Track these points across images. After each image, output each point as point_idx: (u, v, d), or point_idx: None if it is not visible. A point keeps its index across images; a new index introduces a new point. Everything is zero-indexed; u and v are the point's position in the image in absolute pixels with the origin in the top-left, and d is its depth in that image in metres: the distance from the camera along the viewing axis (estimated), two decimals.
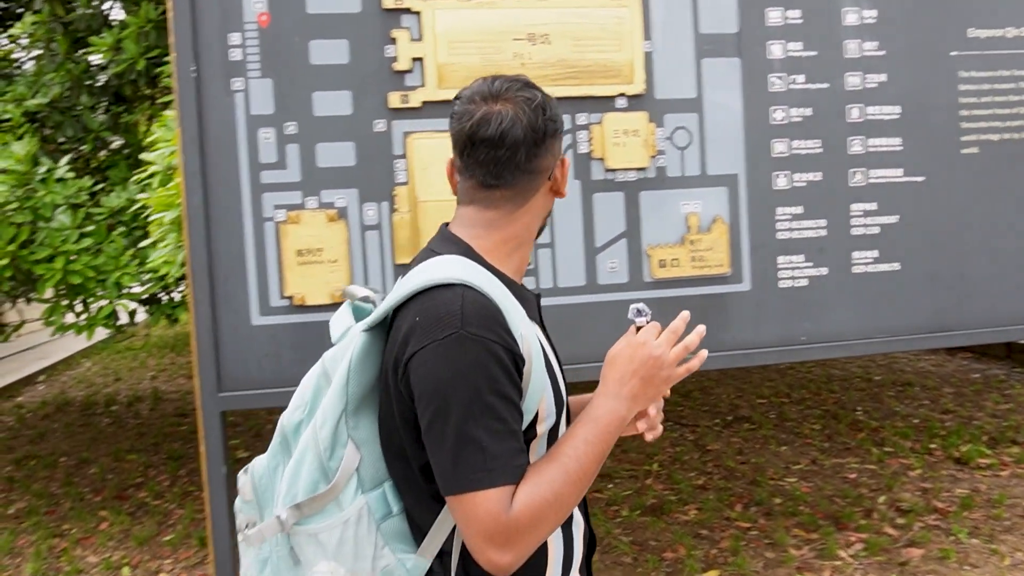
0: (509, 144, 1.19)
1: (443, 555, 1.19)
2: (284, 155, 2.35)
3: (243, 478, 1.31)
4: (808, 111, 2.63)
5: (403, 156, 2.41)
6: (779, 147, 2.62)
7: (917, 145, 2.71)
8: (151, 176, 3.12)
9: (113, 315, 3.89)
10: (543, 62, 2.44)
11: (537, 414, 1.17)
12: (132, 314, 4.20)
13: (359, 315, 1.32)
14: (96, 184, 3.99)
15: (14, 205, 3.54)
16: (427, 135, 2.41)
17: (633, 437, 1.35)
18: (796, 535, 3.53)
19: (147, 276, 3.65)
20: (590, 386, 1.45)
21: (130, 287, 3.74)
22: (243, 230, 2.34)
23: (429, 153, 2.40)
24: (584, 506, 1.31)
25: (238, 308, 2.35)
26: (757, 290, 2.62)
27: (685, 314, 1.26)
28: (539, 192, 1.25)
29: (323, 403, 1.21)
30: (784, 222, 2.64)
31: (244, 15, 2.31)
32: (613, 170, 2.51)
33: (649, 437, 1.28)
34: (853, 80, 2.66)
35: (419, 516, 1.21)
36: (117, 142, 4.52)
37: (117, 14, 4.39)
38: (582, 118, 2.49)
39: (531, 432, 1.17)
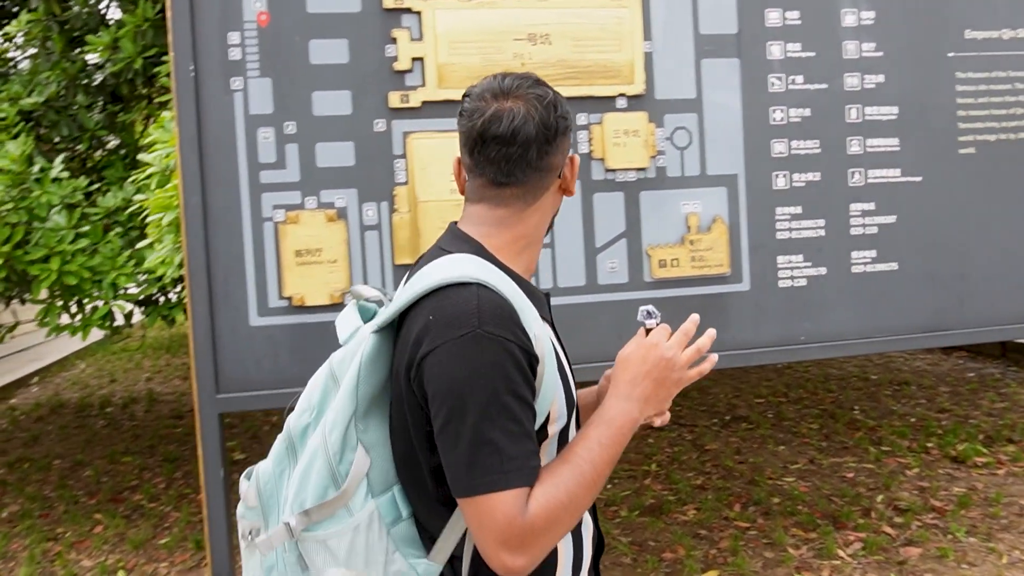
0: (521, 141, 1.18)
1: (454, 559, 1.18)
2: (283, 155, 2.34)
3: (246, 484, 1.28)
4: (807, 111, 2.64)
5: (403, 156, 2.40)
6: (778, 147, 2.63)
7: (915, 145, 2.72)
8: (148, 177, 3.10)
9: (109, 316, 3.87)
10: (543, 62, 2.43)
11: (549, 415, 1.15)
12: (128, 315, 4.18)
13: (364, 316, 1.30)
14: (92, 184, 3.97)
15: (9, 205, 3.52)
16: (427, 135, 2.40)
17: (632, 435, 1.35)
18: (795, 535, 3.53)
19: (143, 277, 3.63)
20: (589, 386, 1.45)
21: (126, 288, 3.72)
22: (242, 230, 2.34)
23: (429, 153, 2.40)
24: (592, 508, 1.30)
25: (236, 309, 2.34)
26: (756, 290, 2.62)
27: (695, 317, 1.26)
28: (549, 190, 1.25)
29: (333, 406, 1.19)
30: (783, 222, 2.64)
31: (243, 14, 2.31)
32: (613, 170, 2.51)
33: (658, 422, 1.27)
34: (851, 81, 2.67)
35: (428, 520, 1.19)
36: (113, 142, 4.50)
37: (114, 13, 4.37)
38: (582, 118, 2.48)
39: (542, 433, 1.16)
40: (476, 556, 1.15)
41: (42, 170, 3.70)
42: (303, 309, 2.36)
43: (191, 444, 5.15)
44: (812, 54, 2.63)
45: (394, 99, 2.38)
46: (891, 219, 2.70)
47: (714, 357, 1.28)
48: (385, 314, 1.19)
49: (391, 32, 2.38)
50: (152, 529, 3.94)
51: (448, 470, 1.10)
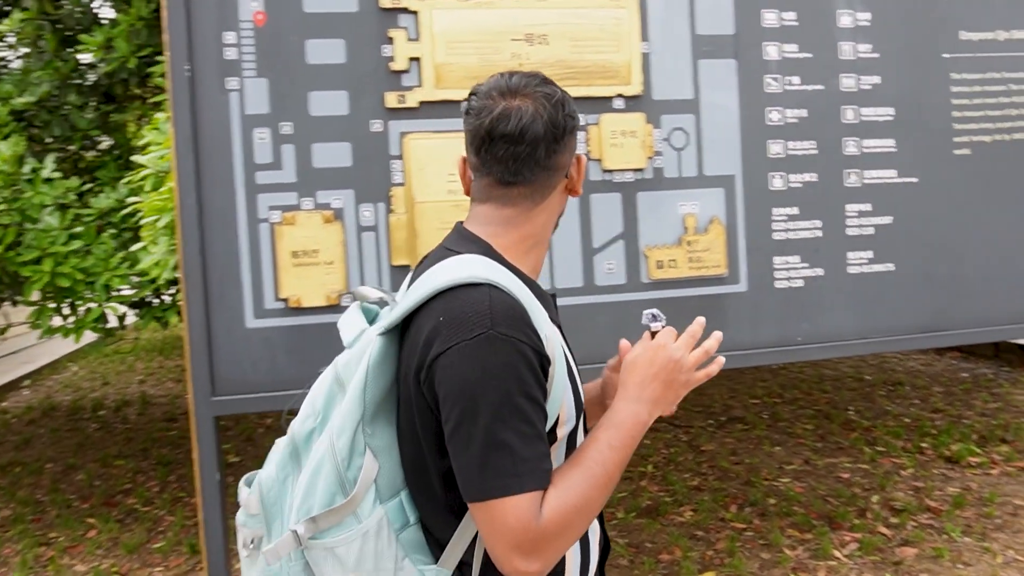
0: (529, 140, 1.16)
1: (463, 565, 1.16)
2: (279, 155, 2.33)
3: (246, 491, 1.25)
4: (803, 112, 2.64)
5: (400, 157, 2.39)
6: (775, 148, 2.63)
7: (911, 146, 2.73)
8: (143, 179, 3.09)
9: (102, 318, 3.85)
10: (541, 63, 2.43)
11: (558, 418, 1.14)
12: (122, 318, 4.15)
13: (367, 317, 1.28)
14: (84, 185, 3.94)
15: (1, 206, 3.49)
16: (424, 135, 2.39)
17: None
18: (791, 535, 3.53)
19: (137, 279, 3.61)
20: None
21: (119, 289, 3.69)
22: (237, 231, 2.32)
23: (426, 154, 2.39)
24: (599, 512, 1.30)
25: (232, 310, 2.32)
26: (754, 291, 2.62)
27: (701, 320, 1.25)
28: (556, 190, 1.24)
29: (340, 411, 1.17)
30: (780, 223, 2.64)
31: (240, 14, 2.29)
32: (610, 171, 2.51)
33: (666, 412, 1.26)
34: (848, 82, 2.67)
35: (435, 526, 1.18)
36: (106, 142, 4.47)
37: (107, 12, 4.34)
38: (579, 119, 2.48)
39: (551, 436, 1.15)
40: (486, 562, 1.14)
41: (34, 171, 3.67)
42: (300, 311, 2.35)
43: (185, 447, 5.12)
44: (808, 55, 2.64)
45: (391, 99, 2.37)
46: (887, 220, 2.71)
47: (721, 359, 1.27)
48: (392, 316, 1.18)
49: (388, 32, 2.37)
50: (146, 533, 3.92)
51: (459, 473, 1.08)
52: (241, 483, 1.28)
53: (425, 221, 2.39)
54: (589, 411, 1.39)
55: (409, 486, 1.20)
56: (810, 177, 2.65)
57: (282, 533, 1.19)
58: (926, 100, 2.74)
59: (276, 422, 5.70)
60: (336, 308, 2.36)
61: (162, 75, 3.47)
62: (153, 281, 3.32)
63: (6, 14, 4.35)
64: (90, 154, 4.50)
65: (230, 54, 2.29)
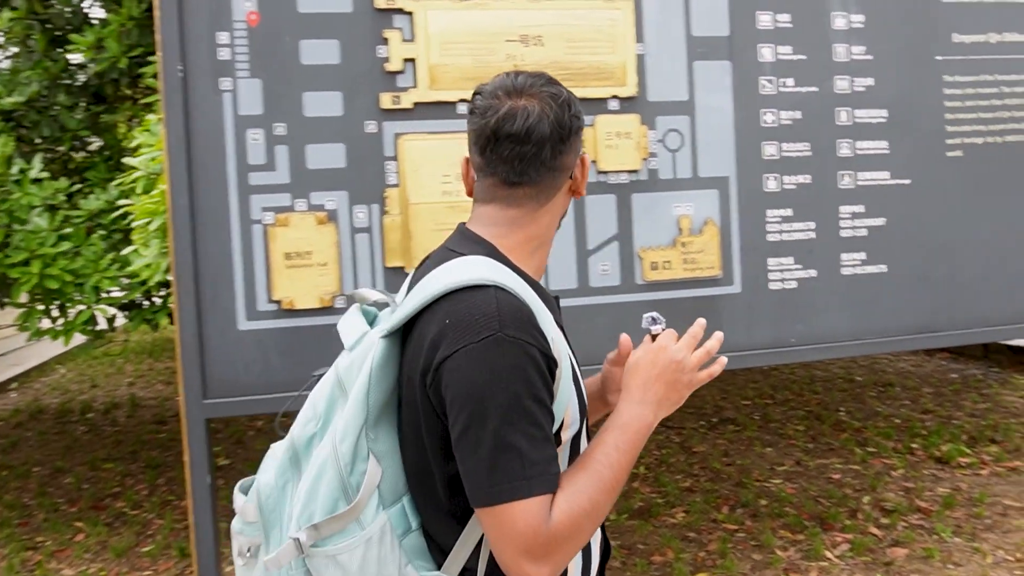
0: (535, 140, 1.15)
1: (466, 572, 1.15)
2: (273, 156, 2.31)
3: (242, 497, 1.23)
4: (797, 114, 2.65)
5: (394, 158, 2.38)
6: (769, 150, 2.63)
7: (903, 148, 2.74)
8: (134, 181, 3.06)
9: (91, 320, 3.81)
10: (536, 64, 2.42)
11: (563, 421, 1.13)
12: (111, 320, 4.12)
13: (367, 320, 1.27)
14: (74, 186, 3.91)
15: None
16: (419, 137, 2.38)
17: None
18: (783, 536, 3.54)
19: (127, 281, 3.58)
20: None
21: (109, 291, 3.66)
22: (230, 232, 2.30)
23: (421, 155, 2.38)
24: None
25: (224, 312, 2.31)
26: (748, 292, 2.62)
27: (702, 321, 1.25)
28: (561, 190, 1.23)
29: (343, 415, 1.15)
30: (774, 224, 2.64)
31: (233, 14, 2.28)
32: (605, 172, 2.50)
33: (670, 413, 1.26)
34: (841, 84, 2.68)
35: (438, 532, 1.16)
36: (96, 143, 4.44)
37: (96, 12, 4.31)
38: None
39: (555, 439, 1.13)
40: (490, 568, 1.13)
41: (22, 171, 3.64)
42: (293, 313, 2.33)
43: (174, 450, 5.09)
44: (803, 57, 2.64)
45: (385, 100, 2.36)
46: (880, 221, 2.72)
47: (724, 359, 1.27)
48: (395, 318, 1.16)
49: (383, 33, 2.36)
50: (135, 537, 3.88)
51: (467, 477, 1.07)
52: (236, 490, 1.25)
53: (419, 223, 2.38)
54: (590, 406, 1.38)
55: (411, 491, 1.18)
56: (804, 179, 2.66)
57: (281, 541, 1.17)
58: (919, 102, 2.75)
59: (267, 424, 5.67)
60: (329, 310, 2.35)
61: (154, 75, 3.45)
62: (143, 283, 3.29)
63: None
64: (80, 155, 4.47)
65: (223, 54, 2.28)
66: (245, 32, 2.28)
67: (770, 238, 2.64)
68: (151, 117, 3.18)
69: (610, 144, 2.49)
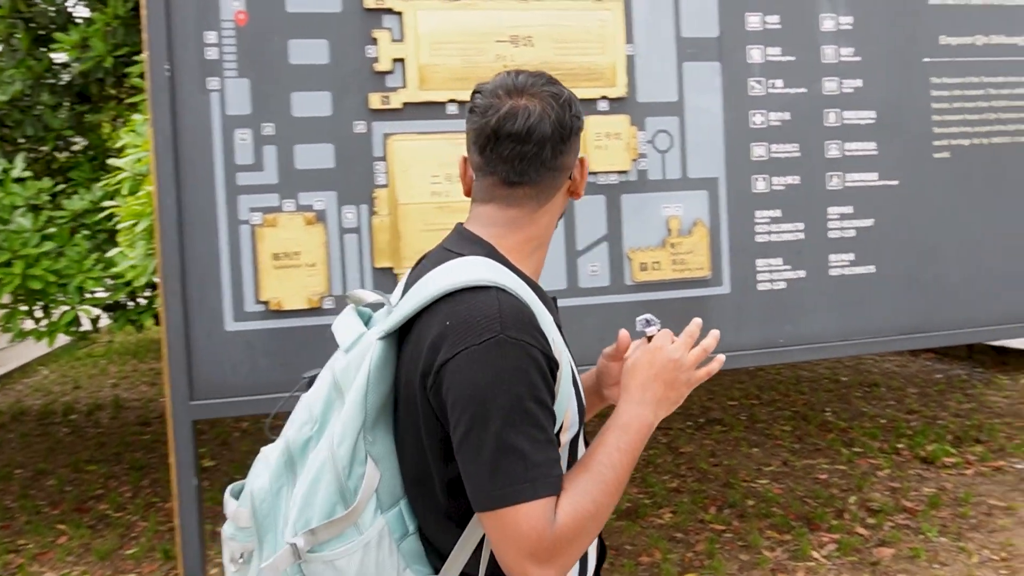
0: (536, 140, 1.14)
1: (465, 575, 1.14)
2: (261, 156, 2.30)
3: (233, 503, 1.20)
4: (786, 115, 2.66)
5: (383, 158, 2.37)
6: (758, 151, 2.64)
7: (891, 149, 2.75)
8: (119, 182, 3.03)
9: (75, 321, 3.78)
10: (526, 64, 2.41)
11: (562, 423, 1.12)
12: (95, 320, 4.08)
13: (362, 320, 1.25)
14: (57, 186, 3.87)
15: None
16: (408, 137, 2.37)
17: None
18: (770, 536, 3.55)
19: (111, 281, 3.54)
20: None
21: (93, 292, 3.63)
22: (217, 233, 2.29)
23: (410, 155, 2.37)
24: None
25: (211, 313, 2.29)
26: (737, 293, 2.63)
27: (698, 320, 1.25)
28: (560, 191, 1.22)
29: (340, 418, 1.13)
30: (763, 225, 2.65)
31: (221, 13, 2.26)
32: (595, 173, 2.50)
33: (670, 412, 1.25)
34: (830, 85, 2.69)
35: (436, 536, 1.15)
36: (80, 143, 4.40)
37: (81, 11, 4.27)
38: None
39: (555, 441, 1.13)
40: (491, 571, 1.12)
41: (4, 171, 3.60)
42: (280, 314, 2.32)
43: (158, 451, 5.04)
44: (792, 58, 2.65)
45: (375, 100, 2.35)
46: (868, 222, 2.73)
47: (721, 357, 1.27)
48: (392, 319, 1.15)
49: (372, 33, 2.35)
50: (118, 539, 3.85)
51: (469, 480, 1.05)
52: (227, 494, 1.23)
53: (408, 223, 2.37)
54: (586, 401, 1.37)
55: (408, 494, 1.17)
56: (793, 180, 2.67)
57: (276, 546, 1.15)
58: (907, 104, 2.77)
59: (252, 426, 5.64)
60: (318, 311, 2.33)
61: (139, 75, 3.42)
62: (128, 283, 3.26)
63: None
64: (63, 155, 4.43)
65: (211, 54, 2.26)
66: (233, 31, 2.27)
67: (759, 239, 2.64)
68: (137, 117, 3.15)
69: (599, 145, 2.48)
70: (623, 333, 1.30)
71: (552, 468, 1.05)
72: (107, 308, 4.02)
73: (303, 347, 2.32)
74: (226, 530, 1.21)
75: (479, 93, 1.19)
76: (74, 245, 3.59)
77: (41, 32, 4.15)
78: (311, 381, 1.25)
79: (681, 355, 1.20)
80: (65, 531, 3.94)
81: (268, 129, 2.30)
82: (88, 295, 3.63)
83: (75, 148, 4.47)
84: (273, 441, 1.23)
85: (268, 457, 1.21)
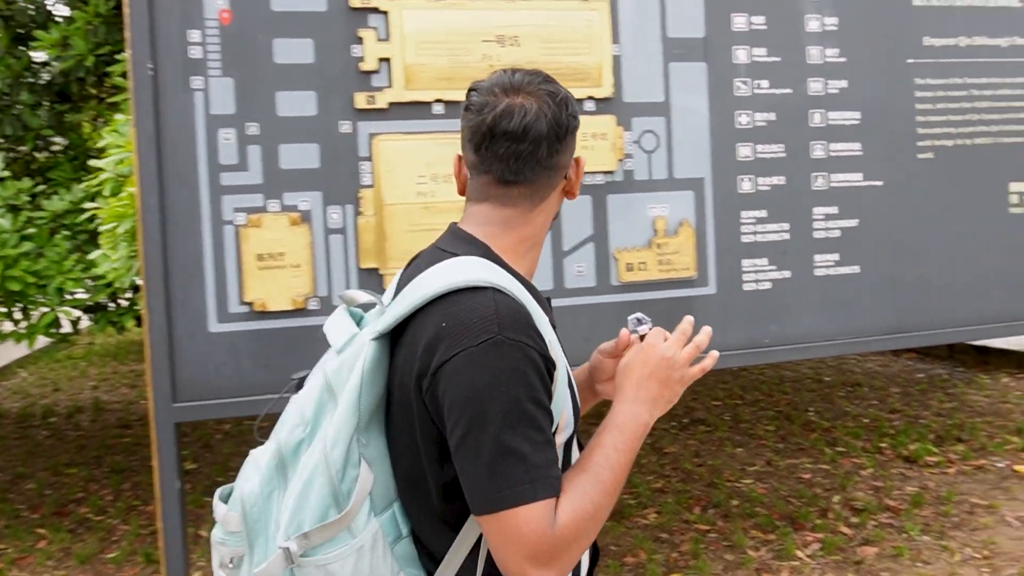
0: (532, 138, 1.13)
1: None
2: (245, 156, 2.28)
3: (223, 507, 1.18)
4: (772, 116, 2.67)
5: (369, 158, 2.35)
6: (744, 151, 2.65)
7: (876, 150, 2.77)
8: (101, 183, 2.99)
9: (55, 323, 3.73)
10: (512, 64, 2.40)
11: (557, 424, 1.12)
12: (75, 322, 4.03)
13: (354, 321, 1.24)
14: (37, 186, 3.83)
15: None
16: (394, 137, 2.36)
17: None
18: (754, 536, 3.56)
19: (92, 282, 3.50)
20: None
21: (73, 293, 3.59)
22: (201, 233, 2.26)
23: (396, 155, 2.36)
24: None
25: (195, 314, 2.27)
26: (722, 293, 2.63)
27: (690, 318, 1.25)
28: (555, 191, 1.21)
29: (333, 420, 1.11)
30: (748, 225, 2.66)
31: (205, 11, 2.23)
32: None
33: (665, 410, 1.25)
34: (815, 86, 2.70)
35: (429, 539, 1.14)
36: (60, 143, 4.35)
37: (60, 10, 4.22)
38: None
39: None
40: (487, 575, 1.11)
41: None
42: (265, 315, 2.30)
43: (139, 454, 4.99)
44: (777, 59, 2.66)
45: (360, 100, 2.34)
46: (853, 223, 2.75)
47: (715, 353, 1.27)
48: (386, 319, 1.13)
49: (357, 32, 2.33)
50: (99, 543, 3.80)
51: (468, 483, 1.04)
52: (216, 499, 1.21)
53: (394, 223, 2.35)
54: (580, 396, 1.37)
55: (402, 497, 1.16)
56: (778, 180, 2.67)
57: (267, 551, 1.13)
58: (891, 104, 2.79)
59: (235, 428, 5.59)
60: (303, 312, 2.32)
61: (121, 74, 3.38)
62: (109, 284, 3.23)
63: None
64: (43, 155, 4.38)
65: (195, 53, 2.23)
66: (217, 30, 2.24)
67: (744, 239, 2.65)
68: (119, 117, 3.11)
69: (586, 145, 2.48)
70: (625, 331, 1.29)
71: (551, 469, 1.04)
72: (87, 310, 3.97)
73: (288, 348, 2.30)
74: (216, 535, 1.19)
75: (475, 91, 1.18)
76: (54, 246, 3.55)
77: (20, 30, 4.10)
78: (300, 383, 1.23)
79: (674, 353, 1.19)
80: (45, 535, 3.90)
81: (253, 129, 2.27)
82: (68, 296, 3.59)
83: (55, 148, 4.42)
84: (262, 444, 1.22)
85: (258, 460, 1.18)
